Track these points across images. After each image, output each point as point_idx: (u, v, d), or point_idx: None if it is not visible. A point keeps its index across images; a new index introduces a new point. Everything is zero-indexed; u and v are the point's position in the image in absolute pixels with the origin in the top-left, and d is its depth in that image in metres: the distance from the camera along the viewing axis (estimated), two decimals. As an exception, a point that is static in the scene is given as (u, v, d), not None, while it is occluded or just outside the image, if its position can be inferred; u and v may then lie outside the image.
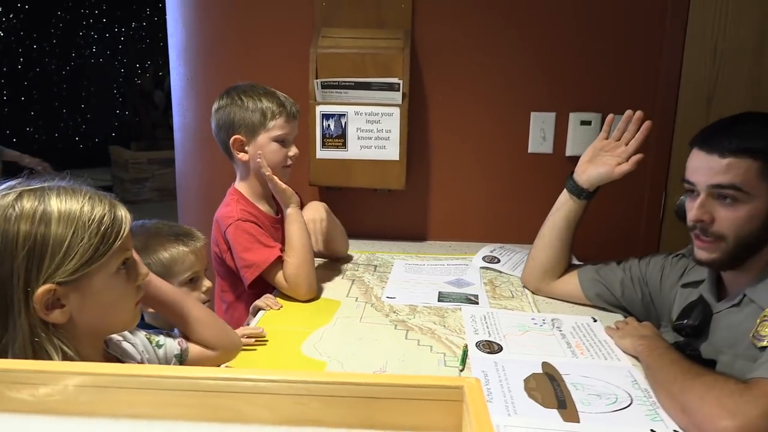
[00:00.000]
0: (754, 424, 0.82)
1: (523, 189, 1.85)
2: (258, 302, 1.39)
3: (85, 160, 6.29)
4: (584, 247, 1.76)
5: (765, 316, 0.99)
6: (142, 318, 1.16)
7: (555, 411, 0.97)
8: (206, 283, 1.25)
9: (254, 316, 1.35)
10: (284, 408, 0.57)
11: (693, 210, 1.08)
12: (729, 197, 1.04)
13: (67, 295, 0.77)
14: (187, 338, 1.01)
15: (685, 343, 1.14)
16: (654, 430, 0.91)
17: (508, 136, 1.84)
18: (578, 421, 0.94)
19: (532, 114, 1.82)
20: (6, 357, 0.75)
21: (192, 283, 1.21)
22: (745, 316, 1.05)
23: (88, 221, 0.77)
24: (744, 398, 0.84)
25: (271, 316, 1.33)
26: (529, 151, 1.84)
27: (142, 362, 0.94)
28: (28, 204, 0.76)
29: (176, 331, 1.03)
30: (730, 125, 1.08)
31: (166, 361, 0.97)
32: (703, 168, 1.06)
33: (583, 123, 1.79)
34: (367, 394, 0.58)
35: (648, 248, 1.83)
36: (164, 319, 1.05)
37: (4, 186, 0.79)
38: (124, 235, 0.81)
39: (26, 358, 0.75)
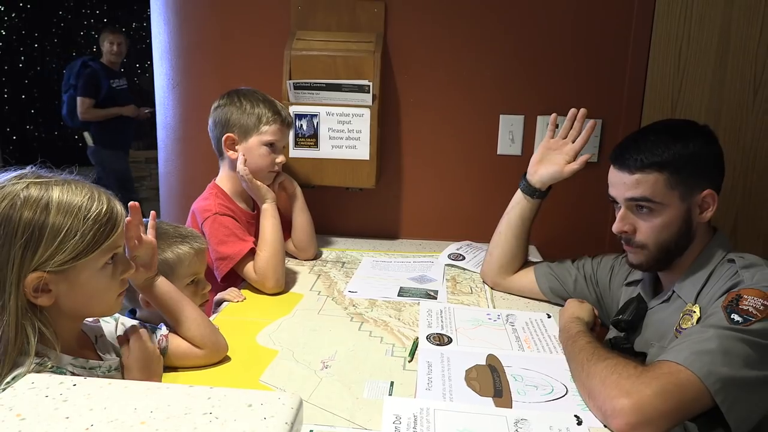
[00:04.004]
0: (648, 402, 0.86)
1: (492, 189, 1.89)
2: (222, 294, 1.43)
3: (84, 159, 6.35)
4: (551, 245, 1.81)
5: (687, 310, 1.04)
6: (134, 312, 1.19)
7: (490, 399, 1.01)
8: (207, 286, 1.27)
9: (218, 307, 1.40)
10: None
11: (616, 222, 1.15)
12: (645, 208, 1.11)
13: (55, 282, 0.83)
14: (177, 334, 1.07)
15: (622, 338, 1.18)
16: (578, 415, 0.95)
17: (477, 138, 1.89)
18: (511, 407, 0.99)
19: (501, 117, 1.86)
20: None
21: (194, 284, 1.23)
22: (672, 311, 1.10)
23: (86, 215, 0.83)
24: (640, 379, 0.89)
25: (233, 308, 1.38)
26: (498, 152, 1.89)
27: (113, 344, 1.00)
28: (34, 193, 0.82)
29: (162, 326, 1.08)
30: (637, 140, 1.14)
31: None
32: (618, 183, 1.14)
33: (551, 126, 1.83)
34: None
35: (614, 249, 1.87)
36: (158, 315, 1.10)
37: (15, 174, 0.84)
38: (117, 232, 0.87)
39: (10, 337, 0.80)
